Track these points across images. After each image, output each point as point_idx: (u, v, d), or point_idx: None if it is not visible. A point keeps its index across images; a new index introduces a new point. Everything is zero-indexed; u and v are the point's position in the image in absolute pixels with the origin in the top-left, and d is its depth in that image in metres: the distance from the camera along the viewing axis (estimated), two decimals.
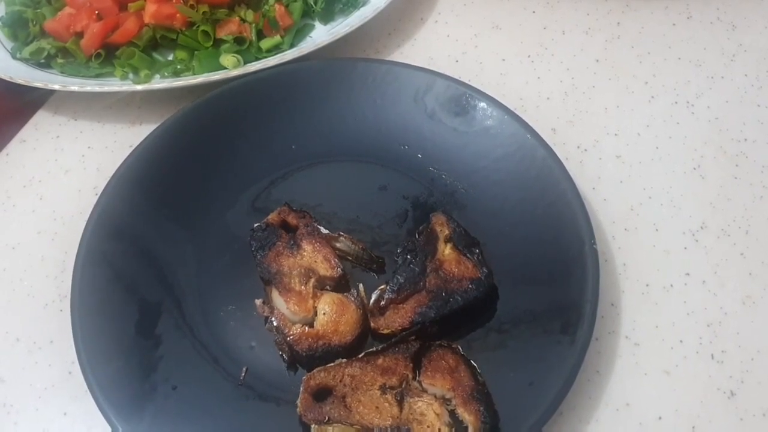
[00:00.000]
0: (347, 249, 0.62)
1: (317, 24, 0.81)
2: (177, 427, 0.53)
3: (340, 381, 0.53)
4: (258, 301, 0.59)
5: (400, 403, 0.52)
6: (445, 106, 0.68)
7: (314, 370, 0.54)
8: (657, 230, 0.66)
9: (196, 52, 0.76)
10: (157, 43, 0.78)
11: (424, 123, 0.68)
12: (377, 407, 0.52)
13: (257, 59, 0.75)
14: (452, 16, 0.84)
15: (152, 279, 0.61)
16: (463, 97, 0.67)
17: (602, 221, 0.66)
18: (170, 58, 0.78)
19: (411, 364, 0.54)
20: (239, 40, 0.77)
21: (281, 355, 0.57)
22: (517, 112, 0.66)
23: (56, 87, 0.73)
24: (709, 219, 0.66)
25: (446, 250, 0.59)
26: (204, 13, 0.76)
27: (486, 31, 0.82)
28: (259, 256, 0.59)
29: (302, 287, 0.57)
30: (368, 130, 0.69)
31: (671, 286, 0.62)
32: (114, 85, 0.74)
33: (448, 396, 0.52)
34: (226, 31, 0.77)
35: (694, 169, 0.70)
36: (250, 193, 0.67)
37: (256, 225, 0.61)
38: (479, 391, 0.52)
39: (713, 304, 0.61)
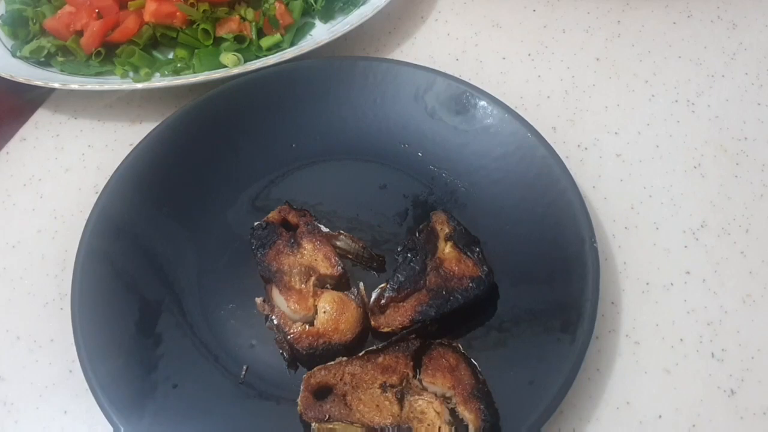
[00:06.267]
0: (347, 247, 0.62)
1: (317, 22, 0.81)
2: (177, 425, 0.53)
3: (341, 379, 0.53)
4: (258, 300, 0.59)
5: (401, 401, 0.52)
6: (446, 104, 0.68)
7: (314, 369, 0.54)
8: (657, 229, 0.66)
9: (196, 50, 0.76)
10: (157, 41, 0.78)
11: (424, 121, 0.68)
12: (378, 406, 0.52)
13: (257, 58, 0.75)
14: (452, 15, 0.84)
15: (152, 277, 0.61)
16: (463, 96, 0.67)
17: (602, 220, 0.66)
18: (170, 56, 0.78)
19: (411, 363, 0.54)
20: (239, 39, 0.77)
21: (281, 353, 0.57)
22: (518, 111, 0.66)
23: (56, 85, 0.73)
24: (710, 217, 0.66)
25: (446, 249, 0.59)
26: (204, 11, 0.76)
27: (486, 30, 0.82)
28: (259, 255, 0.59)
29: (302, 286, 0.57)
30: (368, 129, 0.69)
31: (671, 284, 0.62)
32: (114, 83, 0.74)
33: (448, 394, 0.52)
34: (226, 30, 0.77)
35: (695, 167, 0.70)
36: (250, 191, 0.67)
37: (256, 223, 0.61)
38: (480, 389, 0.52)
39: (713, 302, 0.61)
